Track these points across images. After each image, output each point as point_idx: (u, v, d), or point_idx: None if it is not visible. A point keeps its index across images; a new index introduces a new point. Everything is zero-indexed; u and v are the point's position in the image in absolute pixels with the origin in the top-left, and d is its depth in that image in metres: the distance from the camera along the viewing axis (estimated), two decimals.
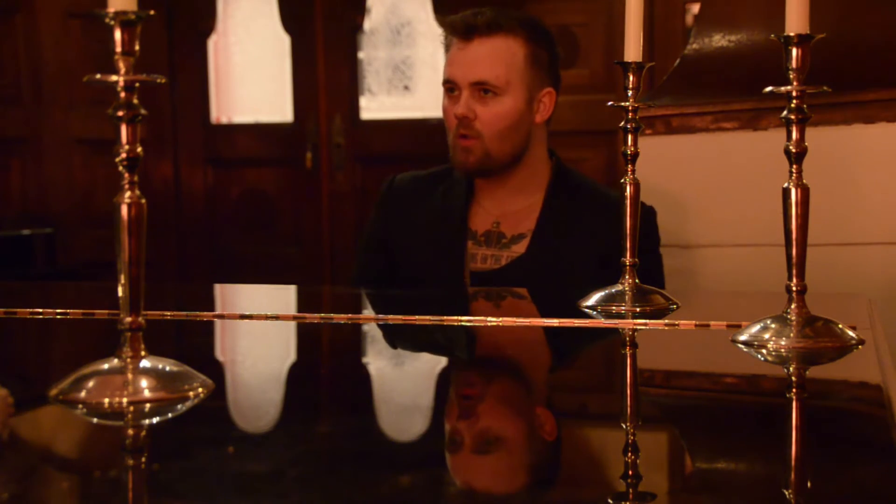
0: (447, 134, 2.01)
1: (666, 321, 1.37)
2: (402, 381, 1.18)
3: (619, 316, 1.41)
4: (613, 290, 1.45)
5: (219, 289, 2.40)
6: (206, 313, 1.54)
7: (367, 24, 4.51)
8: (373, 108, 4.54)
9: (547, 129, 2.06)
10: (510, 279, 1.96)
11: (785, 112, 1.15)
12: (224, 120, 4.77)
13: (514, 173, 2.02)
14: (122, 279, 0.92)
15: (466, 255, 2.02)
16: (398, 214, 2.10)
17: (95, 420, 0.91)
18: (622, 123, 1.45)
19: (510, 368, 1.26)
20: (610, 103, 1.45)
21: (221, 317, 1.56)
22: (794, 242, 1.15)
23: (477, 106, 1.96)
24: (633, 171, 1.46)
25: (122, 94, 0.91)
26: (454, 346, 1.37)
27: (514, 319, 1.41)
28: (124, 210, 0.92)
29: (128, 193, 0.92)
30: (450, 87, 2.00)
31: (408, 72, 4.52)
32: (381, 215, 2.13)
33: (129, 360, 0.92)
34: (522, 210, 2.03)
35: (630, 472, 0.78)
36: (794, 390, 1.04)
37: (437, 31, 4.42)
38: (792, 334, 1.13)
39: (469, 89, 1.96)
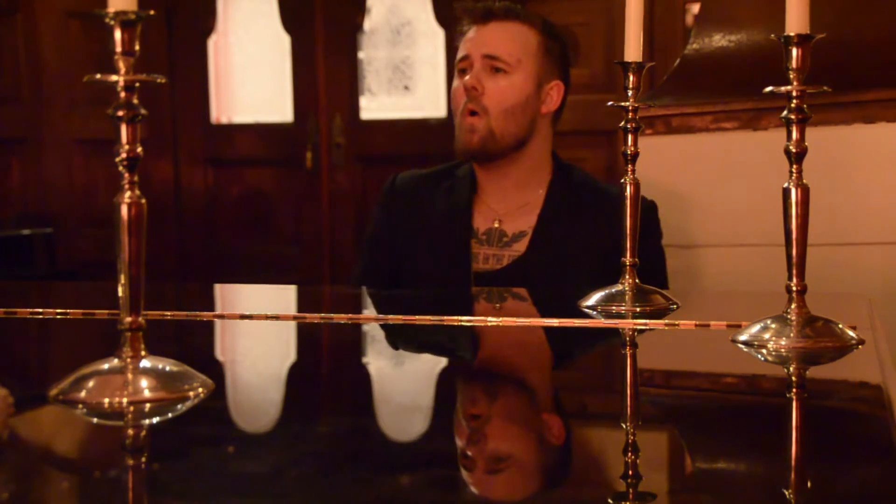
0: (454, 117, 2.03)
1: (666, 321, 1.37)
2: (402, 382, 1.18)
3: (619, 316, 1.41)
4: (613, 290, 1.45)
5: (219, 289, 2.40)
6: (206, 313, 1.54)
7: (367, 24, 4.51)
8: (373, 108, 4.54)
9: (553, 128, 2.08)
10: (512, 279, 1.96)
11: (785, 112, 1.15)
12: (224, 120, 4.76)
13: (516, 164, 2.03)
14: (122, 279, 0.92)
15: (471, 254, 2.01)
16: (401, 214, 2.09)
17: (95, 420, 0.91)
18: (622, 123, 1.45)
19: (510, 369, 1.26)
20: (610, 103, 1.45)
21: (221, 317, 1.56)
22: (794, 242, 1.15)
23: (486, 80, 2.00)
24: (633, 171, 1.46)
25: (122, 94, 0.91)
26: (455, 347, 1.37)
27: (514, 320, 1.41)
28: (124, 210, 0.92)
29: (128, 193, 0.92)
30: (462, 67, 2.03)
31: (408, 72, 4.52)
32: (383, 215, 2.12)
33: (129, 360, 0.92)
34: (524, 207, 2.03)
35: (630, 472, 0.78)
36: (794, 390, 1.04)
37: (437, 31, 4.42)
38: (792, 334, 1.13)
39: (481, 62, 2.00)
